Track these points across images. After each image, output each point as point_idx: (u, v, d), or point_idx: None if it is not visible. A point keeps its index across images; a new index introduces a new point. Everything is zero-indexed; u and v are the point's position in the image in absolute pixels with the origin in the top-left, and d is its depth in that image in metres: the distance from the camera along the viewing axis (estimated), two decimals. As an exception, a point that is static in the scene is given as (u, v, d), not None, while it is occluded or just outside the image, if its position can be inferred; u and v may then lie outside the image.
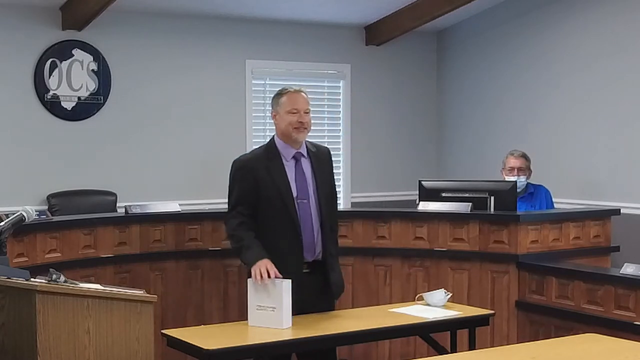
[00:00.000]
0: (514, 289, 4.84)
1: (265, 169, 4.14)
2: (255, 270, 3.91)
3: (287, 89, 4.22)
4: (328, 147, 4.46)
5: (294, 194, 4.12)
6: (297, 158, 4.19)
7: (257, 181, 4.12)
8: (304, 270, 4.11)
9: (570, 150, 6.94)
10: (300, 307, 3.98)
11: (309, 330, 3.81)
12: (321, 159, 4.29)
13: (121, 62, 6.97)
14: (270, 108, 4.31)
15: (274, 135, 4.29)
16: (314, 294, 4.13)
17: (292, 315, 3.88)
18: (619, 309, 4.25)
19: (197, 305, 5.20)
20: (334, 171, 4.42)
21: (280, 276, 3.88)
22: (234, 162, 4.26)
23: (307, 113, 4.17)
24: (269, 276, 3.86)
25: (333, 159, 4.42)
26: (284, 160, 4.17)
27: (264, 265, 3.91)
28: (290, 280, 3.87)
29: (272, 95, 4.31)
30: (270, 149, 4.22)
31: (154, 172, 7.07)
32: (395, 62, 8.09)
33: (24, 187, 6.58)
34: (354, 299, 5.23)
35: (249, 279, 3.95)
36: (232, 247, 4.21)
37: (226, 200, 4.21)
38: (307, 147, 4.25)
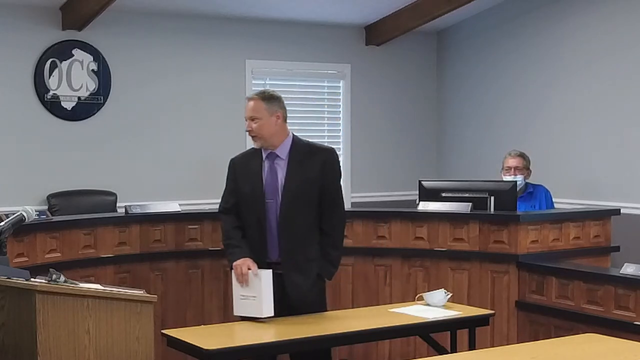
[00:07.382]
0: (514, 289, 4.84)
1: (245, 168, 4.24)
2: (236, 266, 4.03)
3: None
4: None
5: (264, 194, 4.16)
6: (270, 159, 4.21)
7: (237, 179, 4.24)
8: (277, 271, 4.07)
9: (570, 150, 6.94)
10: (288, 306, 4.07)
11: (309, 331, 3.82)
12: (307, 160, 4.18)
13: (121, 62, 6.96)
14: None
15: None
16: (277, 295, 4.04)
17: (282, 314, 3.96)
18: (619, 309, 4.25)
19: (197, 305, 5.20)
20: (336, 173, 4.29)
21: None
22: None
23: (253, 120, 4.16)
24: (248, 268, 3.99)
25: None
26: (263, 160, 4.21)
27: (245, 263, 4.02)
28: (270, 271, 3.97)
29: None
30: (257, 148, 4.29)
31: (154, 172, 7.07)
32: (395, 62, 8.09)
33: (24, 187, 6.58)
34: (354, 299, 5.23)
35: (232, 271, 4.07)
36: (223, 243, 4.31)
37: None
38: (292, 148, 4.19)
